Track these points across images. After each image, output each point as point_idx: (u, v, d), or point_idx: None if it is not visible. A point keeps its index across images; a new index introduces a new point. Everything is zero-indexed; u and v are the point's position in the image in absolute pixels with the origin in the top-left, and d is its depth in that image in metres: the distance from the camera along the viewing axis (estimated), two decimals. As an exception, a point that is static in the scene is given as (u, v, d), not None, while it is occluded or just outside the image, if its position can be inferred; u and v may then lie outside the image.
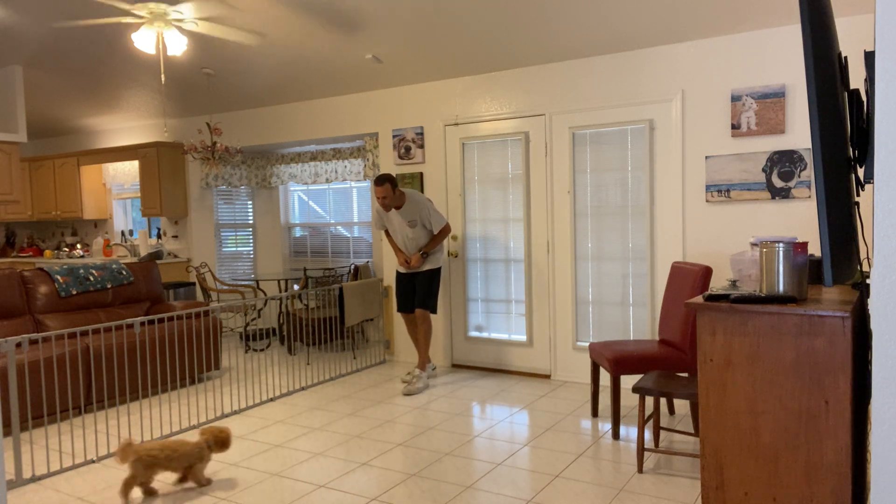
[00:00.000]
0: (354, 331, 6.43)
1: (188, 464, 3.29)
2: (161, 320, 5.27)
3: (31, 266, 8.07)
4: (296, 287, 7.04)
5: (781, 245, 2.41)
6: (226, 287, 7.22)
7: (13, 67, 6.11)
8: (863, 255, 3.71)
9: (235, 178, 7.42)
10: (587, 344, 5.14)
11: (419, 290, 5.13)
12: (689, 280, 3.92)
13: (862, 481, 2.62)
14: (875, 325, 1.79)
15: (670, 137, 4.70)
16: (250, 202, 7.76)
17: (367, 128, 6.15)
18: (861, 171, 2.25)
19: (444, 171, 5.67)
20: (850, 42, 4.09)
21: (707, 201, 4.57)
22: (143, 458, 3.16)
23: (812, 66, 1.85)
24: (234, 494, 3.25)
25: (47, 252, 8.34)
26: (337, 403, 4.75)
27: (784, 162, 4.29)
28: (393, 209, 5.05)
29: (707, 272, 3.84)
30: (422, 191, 5.79)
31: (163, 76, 5.22)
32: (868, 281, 2.13)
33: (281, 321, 6.65)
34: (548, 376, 5.31)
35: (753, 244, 2.76)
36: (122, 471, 3.58)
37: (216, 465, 3.62)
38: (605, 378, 5.09)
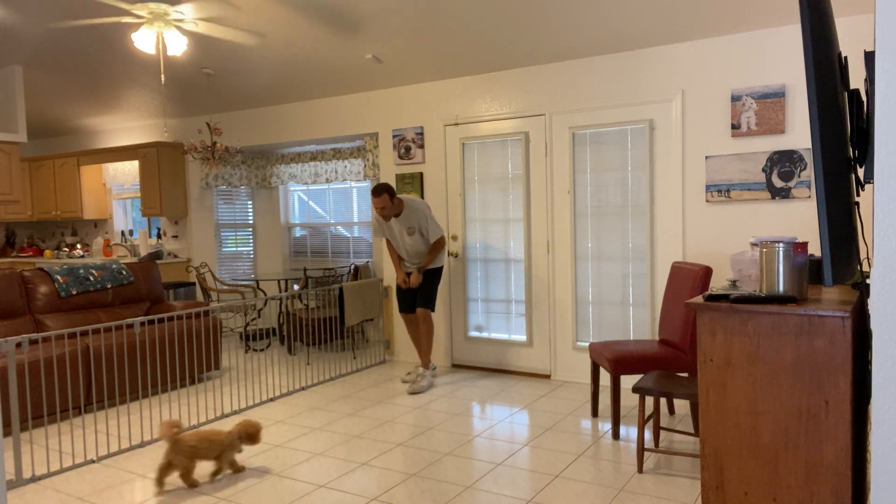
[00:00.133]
0: (354, 331, 6.43)
1: (220, 452, 3.44)
2: (161, 320, 5.27)
3: (31, 266, 8.07)
4: (296, 287, 7.05)
5: (781, 245, 2.41)
6: (226, 287, 7.22)
7: (13, 67, 6.11)
8: (863, 255, 3.71)
9: (235, 178, 7.42)
10: (587, 344, 5.14)
11: (420, 291, 5.13)
12: (689, 280, 3.92)
13: (862, 481, 2.62)
14: (875, 325, 1.79)
15: (670, 137, 4.70)
16: (250, 202, 7.76)
17: (367, 128, 6.15)
18: (861, 171, 2.25)
19: (444, 171, 5.67)
20: (850, 42, 4.09)
21: (707, 201, 4.57)
22: (181, 447, 3.31)
23: (812, 66, 1.85)
24: (234, 494, 3.25)
25: (47, 252, 8.34)
26: (337, 403, 4.75)
27: (784, 162, 4.29)
28: (392, 217, 5.04)
29: (707, 272, 3.84)
30: (422, 191, 5.79)
31: (163, 76, 5.22)
32: (868, 281, 2.13)
33: (281, 321, 6.65)
34: (548, 376, 5.31)
35: (753, 244, 2.76)
36: (122, 471, 3.58)
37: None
38: (605, 378, 5.09)
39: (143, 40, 4.41)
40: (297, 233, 7.62)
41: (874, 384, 1.81)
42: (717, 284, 4.61)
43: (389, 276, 6.14)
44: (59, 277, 5.05)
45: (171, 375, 5.10)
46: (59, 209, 8.23)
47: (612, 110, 4.89)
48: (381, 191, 4.86)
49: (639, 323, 4.91)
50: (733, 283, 2.71)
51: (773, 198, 4.34)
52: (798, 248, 2.41)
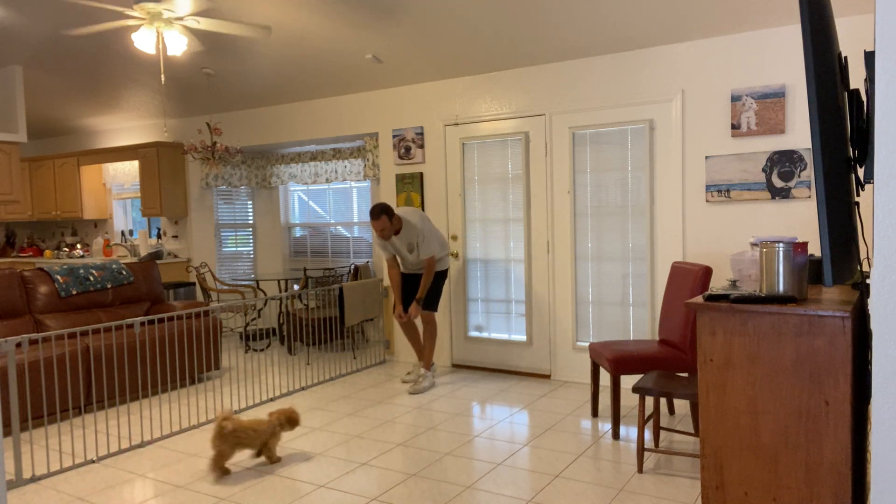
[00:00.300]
0: (354, 331, 6.43)
1: (264, 441, 3.56)
2: (161, 320, 5.27)
3: (31, 266, 8.07)
4: (296, 287, 7.05)
5: (781, 245, 2.41)
6: (226, 287, 7.22)
7: (13, 67, 6.11)
8: (863, 255, 3.71)
9: (235, 178, 7.42)
10: (587, 344, 5.14)
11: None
12: (689, 280, 3.92)
13: (862, 481, 2.62)
14: (875, 325, 1.79)
15: (670, 137, 4.70)
16: (250, 202, 7.76)
17: (367, 128, 6.15)
18: (861, 171, 2.25)
19: (444, 171, 5.67)
20: (850, 42, 4.09)
21: (707, 201, 4.57)
22: (228, 436, 3.42)
23: (812, 66, 1.85)
24: (234, 494, 3.25)
25: (47, 252, 8.34)
26: (337, 403, 4.75)
27: (784, 162, 4.29)
28: (393, 235, 5.02)
29: (707, 272, 3.84)
30: (422, 191, 5.79)
31: (163, 76, 5.22)
32: (868, 281, 2.13)
33: (281, 321, 6.65)
34: (548, 376, 5.31)
35: (753, 244, 2.76)
36: (122, 471, 3.58)
37: (216, 465, 3.62)
38: (605, 378, 5.09)
39: (143, 40, 4.41)
40: (297, 233, 7.62)
41: (874, 384, 1.81)
42: (717, 284, 4.61)
43: (389, 276, 6.14)
44: (59, 277, 5.05)
45: (171, 375, 5.10)
46: (59, 209, 8.23)
47: (612, 110, 4.89)
48: (378, 213, 4.81)
49: (639, 323, 4.91)
50: (733, 283, 2.71)
51: (773, 198, 4.34)
52: (798, 248, 2.41)
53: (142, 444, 3.96)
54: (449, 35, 4.85)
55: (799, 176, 4.26)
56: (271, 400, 4.86)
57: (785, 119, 4.28)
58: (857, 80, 4.01)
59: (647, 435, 3.95)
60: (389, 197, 6.03)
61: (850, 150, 2.17)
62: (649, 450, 3.42)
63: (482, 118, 5.45)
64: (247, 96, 6.56)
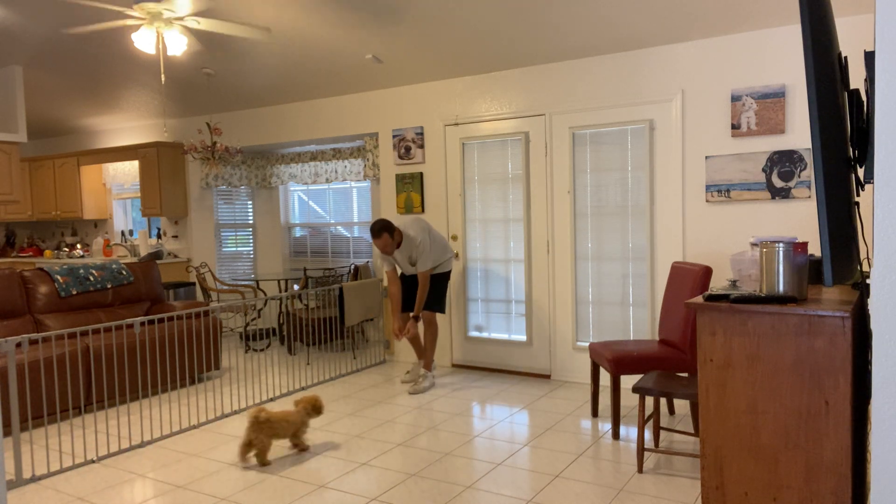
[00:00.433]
0: (354, 331, 6.43)
1: (295, 430, 3.71)
2: (161, 320, 5.27)
3: (31, 266, 8.07)
4: (296, 287, 7.05)
5: (781, 245, 2.41)
6: (226, 287, 7.22)
7: (13, 67, 6.11)
8: (863, 255, 3.71)
9: (235, 178, 7.42)
10: (587, 344, 5.14)
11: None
12: (689, 280, 3.92)
13: (862, 481, 2.62)
14: (875, 325, 1.79)
15: (670, 137, 4.70)
16: (250, 202, 7.76)
17: (367, 128, 6.15)
18: (861, 171, 2.25)
19: (444, 171, 5.67)
20: (850, 42, 4.09)
21: (707, 201, 4.57)
22: (264, 427, 3.55)
23: (812, 66, 1.85)
24: (234, 494, 3.25)
25: (47, 252, 8.34)
26: (337, 403, 4.75)
27: (784, 162, 4.29)
28: (395, 249, 5.01)
29: (707, 272, 3.84)
30: (422, 191, 5.79)
31: (163, 76, 5.22)
32: (868, 281, 2.13)
33: (281, 321, 6.65)
34: (548, 376, 5.31)
35: (753, 244, 2.76)
36: (122, 471, 3.58)
37: (216, 466, 3.62)
38: (605, 378, 5.09)
39: (143, 40, 4.41)
40: (297, 233, 7.62)
41: (874, 384, 1.81)
42: (717, 284, 4.61)
43: (389, 276, 6.14)
44: (59, 277, 5.05)
45: (171, 375, 5.10)
46: (59, 209, 8.23)
47: (612, 110, 4.89)
48: (380, 231, 4.80)
49: (639, 323, 4.91)
50: (733, 283, 2.71)
51: (773, 198, 4.34)
52: (798, 248, 2.41)
53: (142, 444, 3.96)
54: (449, 35, 4.85)
55: (799, 176, 4.26)
56: (271, 400, 4.86)
57: (785, 119, 4.28)
58: (857, 80, 4.01)
59: (647, 435, 3.95)
60: (389, 197, 6.03)
61: (850, 150, 2.17)
62: (649, 450, 3.42)
63: (482, 118, 5.45)
64: (247, 96, 6.56)
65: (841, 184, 2.00)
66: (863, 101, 2.10)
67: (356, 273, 6.51)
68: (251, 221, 7.77)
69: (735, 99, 4.42)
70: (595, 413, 4.31)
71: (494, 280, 5.53)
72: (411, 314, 5.08)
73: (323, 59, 5.49)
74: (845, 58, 2.28)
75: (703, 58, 4.54)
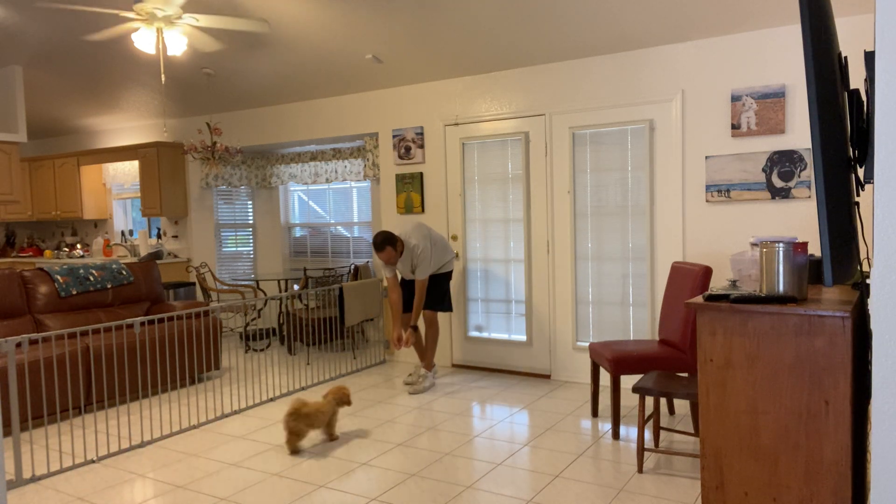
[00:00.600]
0: (354, 331, 6.43)
1: (327, 420, 3.87)
2: (161, 320, 5.27)
3: (31, 266, 8.07)
4: (296, 287, 7.05)
5: (781, 245, 2.41)
6: (226, 287, 7.22)
7: (13, 67, 6.11)
8: (863, 255, 3.71)
9: (235, 178, 7.42)
10: (587, 344, 5.14)
11: (427, 294, 5.11)
12: (689, 280, 3.92)
13: (862, 481, 2.62)
14: (875, 325, 1.79)
15: (670, 137, 4.70)
16: (250, 202, 7.76)
17: (367, 128, 6.15)
18: (861, 171, 2.25)
19: (444, 171, 5.67)
20: (850, 42, 4.09)
21: (707, 201, 4.57)
22: (302, 417, 3.71)
23: (812, 66, 1.85)
24: (234, 494, 3.25)
25: (47, 252, 8.34)
26: (337, 403, 4.75)
27: (784, 162, 4.30)
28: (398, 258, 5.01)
29: (707, 272, 3.84)
30: (422, 191, 5.79)
31: (163, 76, 5.22)
32: (868, 281, 2.13)
33: (281, 321, 6.65)
34: (548, 376, 5.31)
35: (753, 244, 2.76)
36: (122, 471, 3.58)
37: (216, 466, 3.62)
38: (605, 378, 5.09)
39: (143, 40, 4.41)
40: (297, 233, 7.63)
41: (874, 384, 1.81)
42: (717, 284, 4.61)
43: (389, 276, 6.14)
44: (59, 277, 5.05)
45: (171, 375, 5.10)
46: (59, 209, 8.23)
47: (612, 110, 4.89)
48: (382, 245, 4.79)
49: (639, 323, 4.91)
50: (733, 283, 2.71)
51: (773, 198, 4.34)
52: (798, 248, 2.41)
53: (142, 444, 3.96)
54: (449, 35, 4.85)
55: (799, 176, 4.26)
56: (271, 400, 4.86)
57: (785, 119, 4.28)
58: (857, 80, 4.01)
59: (647, 435, 3.95)
60: (389, 197, 6.03)
61: (850, 150, 2.17)
62: (649, 450, 3.42)
63: (482, 118, 5.45)
64: (247, 96, 6.56)
65: (841, 184, 2.00)
66: (863, 101, 2.10)
67: (356, 273, 6.51)
68: (251, 221, 7.77)
69: (735, 99, 4.42)
70: (595, 413, 4.31)
71: (494, 280, 5.53)
72: (410, 324, 5.07)
73: (323, 59, 5.49)
74: (845, 58, 2.28)
75: (703, 58, 4.54)
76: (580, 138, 5.03)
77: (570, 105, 5.05)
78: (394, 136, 5.94)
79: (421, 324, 5.73)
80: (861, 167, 2.14)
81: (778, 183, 4.32)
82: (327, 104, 6.39)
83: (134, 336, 4.83)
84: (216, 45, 4.76)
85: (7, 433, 3.92)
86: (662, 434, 3.97)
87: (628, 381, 4.99)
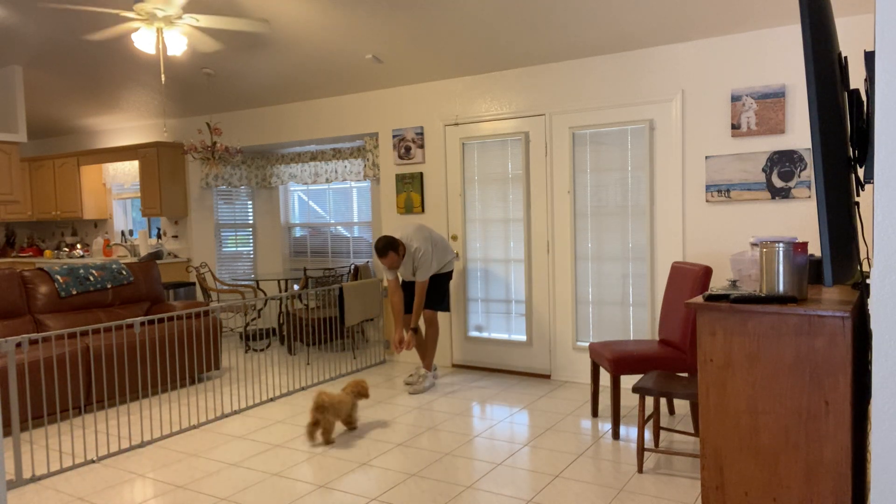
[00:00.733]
0: (354, 331, 6.43)
1: (349, 411, 4.04)
2: (161, 320, 5.27)
3: (31, 266, 8.07)
4: (296, 287, 7.05)
5: (781, 245, 2.41)
6: (226, 287, 7.22)
7: (13, 67, 6.11)
8: (863, 255, 3.71)
9: (235, 178, 7.42)
10: (587, 344, 5.14)
11: (428, 294, 5.11)
12: (689, 280, 3.92)
13: (862, 481, 2.62)
14: (875, 325, 1.79)
15: (670, 137, 4.70)
16: (250, 202, 7.76)
17: (367, 128, 6.15)
18: (861, 171, 2.26)
19: (444, 171, 5.67)
20: (850, 42, 4.09)
21: (707, 201, 4.57)
22: (328, 408, 3.87)
23: (812, 66, 1.85)
24: (234, 494, 3.25)
25: (47, 252, 8.34)
26: (337, 403, 4.74)
27: (784, 162, 4.30)
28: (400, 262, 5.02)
29: (707, 272, 3.84)
30: (422, 191, 5.79)
31: (163, 76, 5.22)
32: (868, 281, 2.13)
33: (281, 321, 6.65)
34: (548, 376, 5.31)
35: (753, 244, 2.76)
36: (122, 471, 3.58)
37: (216, 466, 3.62)
38: (605, 378, 5.09)
39: (143, 40, 4.41)
40: (297, 233, 7.63)
41: (874, 384, 1.81)
42: (717, 284, 4.61)
43: (389, 276, 6.14)
44: (59, 277, 5.05)
45: (171, 375, 5.10)
46: (59, 209, 8.23)
47: (612, 110, 4.89)
48: (385, 250, 4.79)
49: (639, 323, 4.91)
50: (733, 283, 2.71)
51: (773, 198, 4.34)
52: (798, 248, 2.41)
53: (142, 444, 3.96)
54: (449, 35, 4.85)
55: (799, 176, 4.26)
56: (271, 400, 4.86)
57: (785, 119, 4.28)
58: (857, 80, 4.01)
59: (647, 435, 3.95)
60: (389, 197, 6.03)
61: (850, 150, 2.17)
62: (649, 450, 3.42)
63: (482, 118, 5.45)
64: (247, 96, 6.56)
65: (841, 184, 2.00)
66: (863, 101, 2.10)
67: (356, 273, 6.51)
68: (251, 221, 7.77)
69: (735, 99, 4.42)
70: (595, 413, 4.31)
71: (494, 280, 5.53)
72: (410, 327, 5.07)
73: (323, 59, 5.49)
74: (845, 58, 2.28)
75: (703, 58, 4.54)
76: (580, 138, 5.03)
77: (570, 105, 5.04)
78: (394, 136, 5.94)
79: (421, 324, 5.73)
80: (861, 167, 2.14)
81: (778, 183, 4.32)
82: (327, 104, 6.39)
83: (134, 336, 4.83)
84: (216, 45, 4.77)
85: (7, 433, 3.92)
86: (662, 434, 3.97)
87: (628, 381, 4.99)
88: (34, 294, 4.92)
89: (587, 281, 5.10)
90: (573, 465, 3.52)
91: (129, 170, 7.87)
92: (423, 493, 3.21)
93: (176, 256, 7.51)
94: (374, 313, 5.93)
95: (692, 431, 3.88)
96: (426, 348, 5.16)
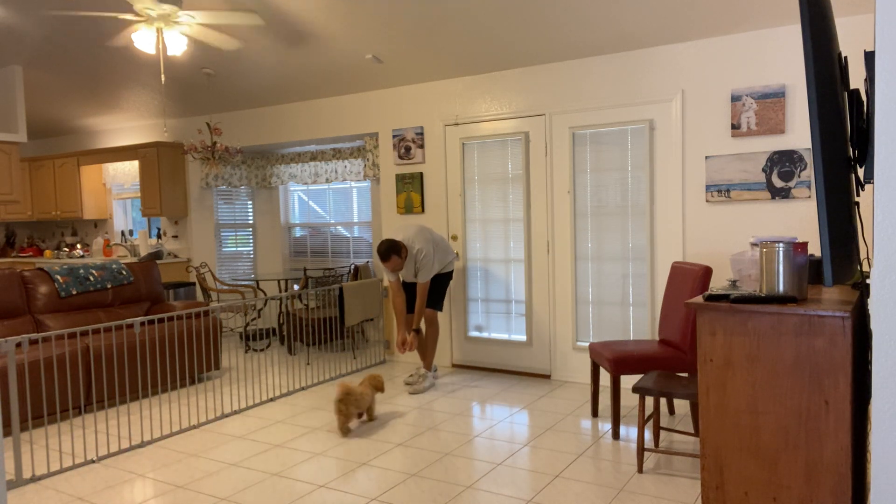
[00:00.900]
0: (354, 331, 6.43)
1: (369, 404, 4.23)
2: (161, 320, 5.27)
3: (31, 266, 8.07)
4: (296, 287, 7.05)
5: (781, 245, 2.41)
6: (226, 287, 7.22)
7: (13, 67, 6.11)
8: (863, 255, 3.71)
9: (235, 178, 7.42)
10: (587, 344, 5.14)
11: (429, 294, 5.11)
12: (689, 280, 3.92)
13: (862, 481, 2.62)
14: (875, 325, 1.79)
15: (670, 137, 4.70)
16: (250, 202, 7.76)
17: (367, 128, 6.15)
18: (861, 171, 2.26)
19: (444, 171, 5.67)
20: (850, 42, 4.09)
21: (707, 201, 4.57)
22: (351, 399, 4.03)
23: (812, 66, 1.85)
24: (234, 494, 3.25)
25: (47, 252, 8.34)
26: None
27: (784, 162, 4.29)
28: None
29: (707, 272, 3.84)
30: (422, 191, 5.79)
31: (163, 76, 5.22)
32: (868, 281, 2.13)
33: (281, 321, 6.65)
34: (548, 376, 5.31)
35: (753, 244, 2.76)
36: (122, 471, 3.58)
37: (216, 466, 3.62)
38: (605, 378, 5.09)
39: (143, 40, 4.41)
40: (297, 233, 7.62)
41: (874, 384, 1.81)
42: (717, 284, 4.61)
43: (389, 276, 6.13)
44: (59, 277, 5.05)
45: (171, 375, 5.10)
46: (59, 209, 8.23)
47: (612, 110, 4.89)
48: (387, 254, 4.79)
49: (639, 323, 4.91)
50: (733, 283, 2.71)
51: (773, 198, 4.34)
52: (798, 248, 2.41)
53: (142, 444, 3.96)
54: (449, 35, 4.85)
55: (799, 176, 4.26)
56: (271, 400, 4.86)
57: (785, 119, 4.28)
58: (857, 80, 4.02)
59: (647, 435, 3.95)
60: (389, 197, 6.03)
61: (850, 150, 2.17)
62: (649, 450, 3.42)
63: (482, 118, 5.45)
64: (247, 96, 6.56)
65: (841, 184, 2.00)
66: (863, 101, 2.10)
67: (356, 273, 6.51)
68: (251, 221, 7.77)
69: (735, 99, 4.42)
70: (595, 413, 4.31)
71: (494, 280, 5.53)
72: (413, 328, 5.07)
73: (323, 59, 5.49)
74: (845, 58, 2.28)
75: (703, 58, 4.54)
76: (580, 138, 5.03)
77: (570, 105, 5.05)
78: (394, 136, 5.94)
79: (420, 323, 5.73)
80: (861, 167, 2.14)
81: (778, 183, 4.32)
82: (327, 104, 6.39)
83: (134, 336, 4.83)
84: (236, 43, 4.75)
85: (7, 433, 3.92)
86: (662, 434, 3.97)
87: (628, 381, 4.99)
88: (34, 294, 4.92)
89: (587, 281, 5.10)
90: (573, 465, 3.52)
91: (129, 170, 7.87)
92: (423, 493, 3.21)
93: (176, 256, 7.51)
94: (374, 313, 5.93)
95: (692, 431, 3.88)
96: (426, 348, 5.16)
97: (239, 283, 7.40)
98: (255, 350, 6.58)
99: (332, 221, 7.29)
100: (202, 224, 7.49)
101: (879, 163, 1.73)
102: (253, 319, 6.93)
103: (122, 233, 8.30)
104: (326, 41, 5.15)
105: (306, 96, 6.39)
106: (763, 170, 4.36)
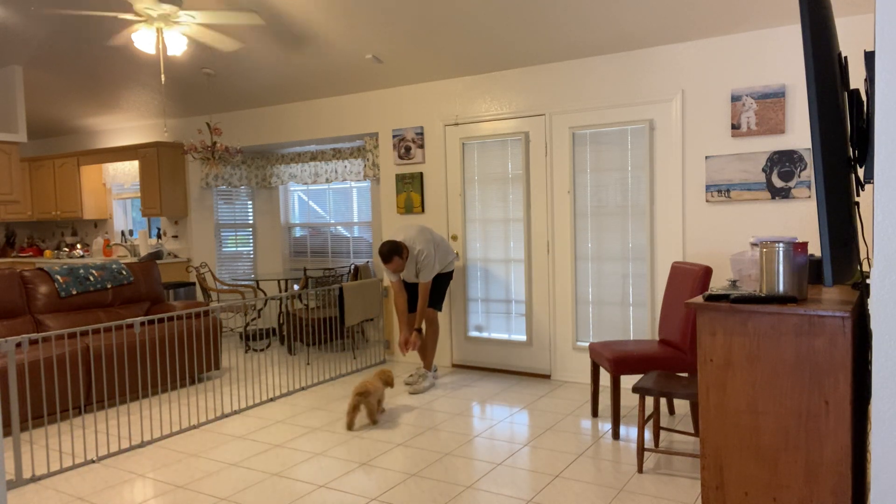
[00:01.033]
0: (354, 331, 6.43)
1: (381, 397, 4.37)
2: (161, 320, 5.27)
3: (31, 266, 8.07)
4: (296, 287, 7.05)
5: (781, 245, 2.41)
6: (226, 287, 7.22)
7: (13, 67, 6.11)
8: (863, 255, 3.71)
9: (235, 178, 7.42)
10: (587, 344, 5.14)
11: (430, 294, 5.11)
12: (689, 280, 3.92)
13: (862, 481, 2.62)
14: (875, 325, 1.79)
15: (670, 137, 4.70)
16: (250, 202, 7.76)
17: (367, 128, 6.15)
18: (861, 171, 2.26)
19: (444, 171, 5.67)
20: (850, 42, 4.09)
21: (707, 201, 4.57)
22: (369, 393, 4.19)
23: (812, 66, 1.85)
24: (234, 494, 3.25)
25: (47, 252, 8.34)
26: (337, 403, 4.75)
27: (784, 162, 4.30)
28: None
29: (707, 272, 3.84)
30: (422, 191, 5.79)
31: (163, 76, 5.22)
32: (868, 281, 2.13)
33: (281, 321, 6.65)
34: (548, 376, 5.31)
35: (753, 244, 2.76)
36: (122, 471, 3.58)
37: (216, 466, 3.62)
38: (605, 378, 5.09)
39: (143, 40, 4.41)
40: (297, 233, 7.62)
41: (874, 384, 1.81)
42: (717, 284, 4.61)
43: (389, 276, 6.13)
44: (59, 277, 5.05)
45: (171, 375, 5.10)
46: (59, 209, 8.23)
47: (612, 110, 4.89)
48: (389, 255, 4.79)
49: (639, 323, 4.91)
50: (733, 283, 2.71)
51: (773, 198, 4.34)
52: (798, 248, 2.41)
53: (142, 444, 3.96)
54: (449, 35, 4.85)
55: (799, 176, 4.26)
56: (271, 400, 4.86)
57: (785, 119, 4.28)
58: (857, 80, 4.02)
59: (647, 435, 3.95)
60: (389, 197, 6.03)
61: (850, 150, 2.17)
62: (649, 450, 3.42)
63: (482, 118, 5.45)
64: (247, 96, 6.56)
65: (841, 184, 2.00)
66: (863, 101, 2.10)
67: (356, 273, 6.51)
68: (251, 221, 7.77)
69: (735, 99, 4.42)
70: (595, 413, 4.31)
71: (494, 280, 5.53)
72: (415, 328, 5.07)
73: (323, 59, 5.49)
74: (845, 58, 2.28)
75: (703, 58, 4.54)
76: (580, 138, 5.03)
77: (570, 105, 5.04)
78: (394, 136, 5.94)
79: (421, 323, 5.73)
80: (861, 167, 2.14)
81: (778, 183, 4.32)
82: (327, 104, 6.39)
83: (134, 336, 4.83)
84: (236, 44, 4.76)
85: (7, 433, 3.92)
86: (662, 434, 3.97)
87: (628, 381, 4.99)
88: (34, 294, 4.92)
89: (587, 281, 5.10)
90: (573, 465, 3.52)
91: (129, 170, 7.87)
92: (423, 493, 3.21)
93: (176, 256, 7.51)
94: (374, 313, 5.93)
95: (692, 431, 3.88)
96: (426, 348, 5.16)
97: (239, 283, 7.40)
98: (255, 350, 6.58)
99: (332, 221, 7.29)
100: (202, 224, 7.49)
101: (879, 163, 1.73)
102: (253, 319, 6.93)
103: (122, 233, 8.30)
104: (326, 41, 5.15)
105: (306, 96, 6.39)
106: (763, 170, 4.36)
